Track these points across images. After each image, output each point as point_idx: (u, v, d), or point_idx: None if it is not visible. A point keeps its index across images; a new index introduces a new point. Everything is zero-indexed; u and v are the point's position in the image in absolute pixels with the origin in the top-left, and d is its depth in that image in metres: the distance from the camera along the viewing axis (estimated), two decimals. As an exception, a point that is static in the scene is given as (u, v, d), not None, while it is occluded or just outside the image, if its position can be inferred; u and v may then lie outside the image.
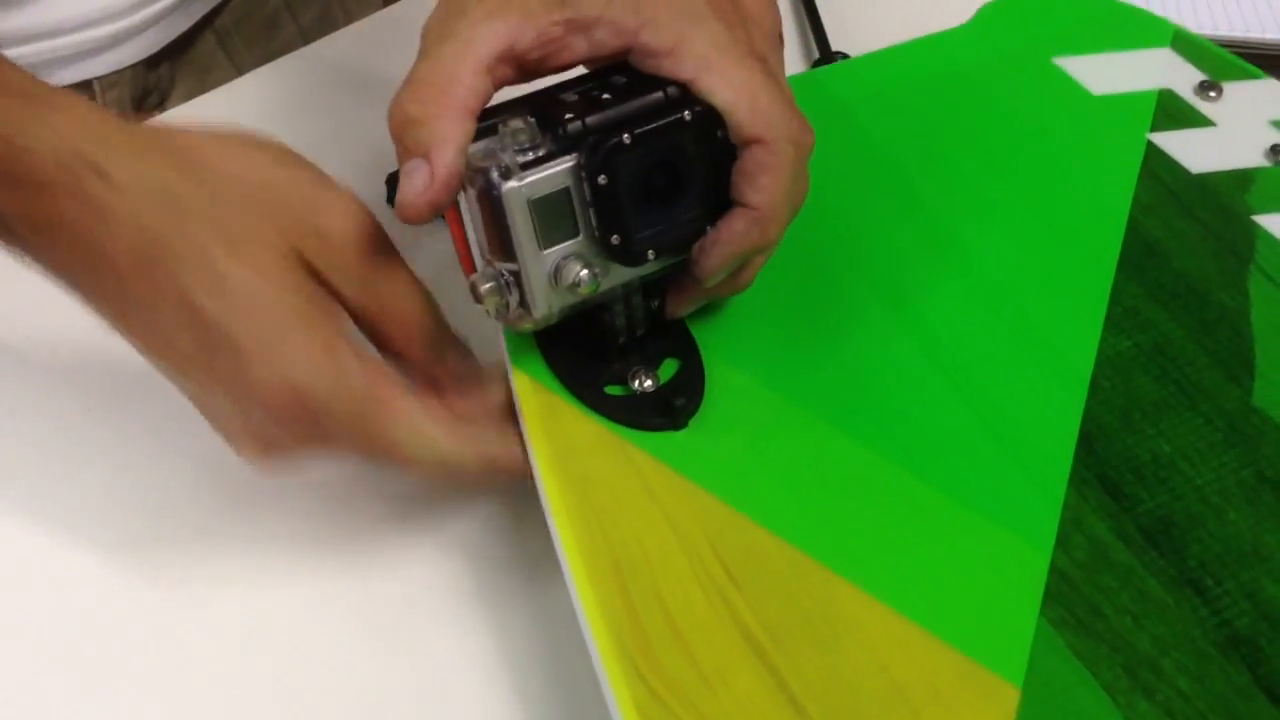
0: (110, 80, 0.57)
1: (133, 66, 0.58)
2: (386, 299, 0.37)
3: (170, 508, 0.42)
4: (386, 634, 0.39)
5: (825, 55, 0.55)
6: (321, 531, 0.41)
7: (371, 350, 0.37)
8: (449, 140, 0.34)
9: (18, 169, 0.34)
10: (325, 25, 0.65)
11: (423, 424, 0.36)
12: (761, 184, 0.35)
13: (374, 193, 0.52)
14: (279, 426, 0.35)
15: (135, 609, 0.40)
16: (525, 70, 0.36)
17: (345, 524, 0.42)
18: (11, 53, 0.52)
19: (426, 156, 0.34)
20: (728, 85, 0.35)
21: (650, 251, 0.36)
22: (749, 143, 0.35)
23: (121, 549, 0.41)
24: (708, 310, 0.41)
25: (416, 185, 0.34)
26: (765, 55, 0.37)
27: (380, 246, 0.37)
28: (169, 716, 0.37)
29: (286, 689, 0.38)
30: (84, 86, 0.57)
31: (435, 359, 0.38)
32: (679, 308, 0.39)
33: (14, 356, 0.46)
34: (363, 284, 0.36)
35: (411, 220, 0.34)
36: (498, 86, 0.36)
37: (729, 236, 0.36)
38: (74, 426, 0.44)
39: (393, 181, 0.38)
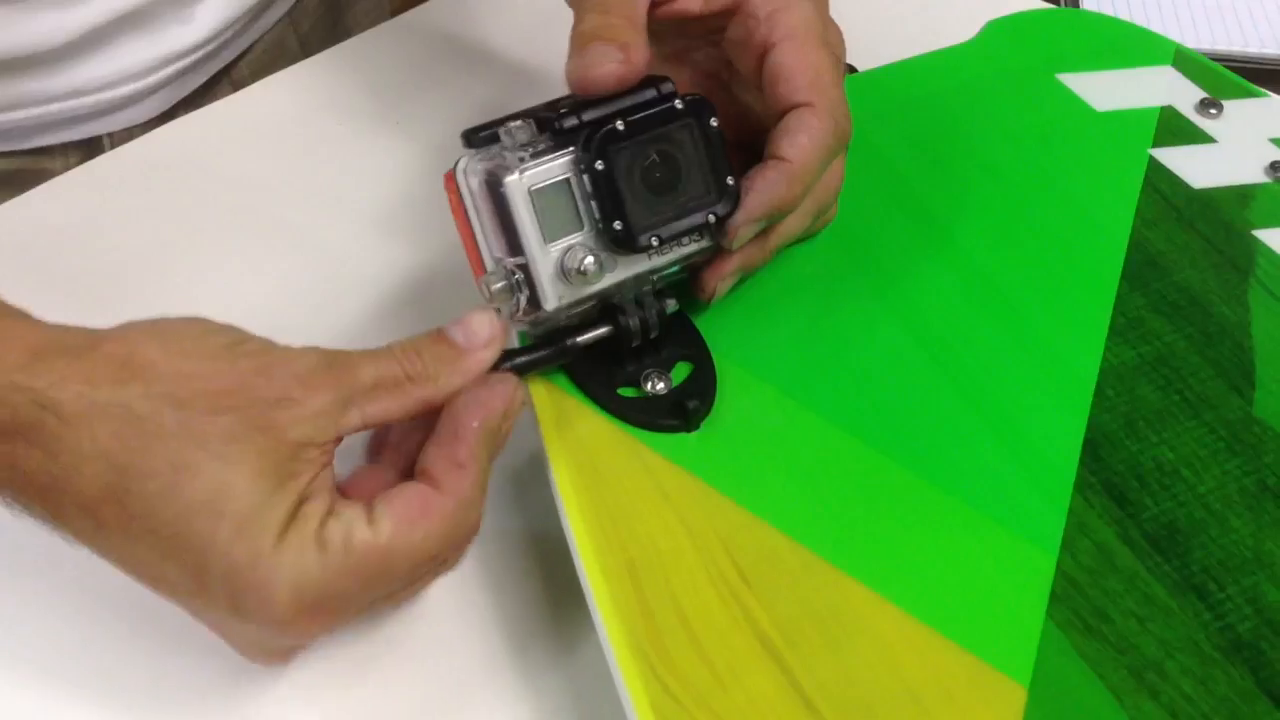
0: (122, 136, 0.57)
1: (147, 121, 0.57)
2: (380, 392, 0.35)
3: None
4: (390, 635, 0.39)
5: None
6: None
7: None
8: (640, 44, 0.38)
9: None
10: None
11: (427, 565, 0.35)
12: (799, 141, 0.38)
13: (389, 192, 0.52)
14: (290, 639, 0.34)
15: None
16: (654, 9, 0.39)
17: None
18: (27, 113, 0.53)
19: (624, 49, 0.37)
20: (801, 56, 0.39)
21: (653, 239, 0.37)
22: (797, 105, 0.38)
23: None
24: (720, 313, 0.41)
25: (617, 69, 0.37)
26: (837, 52, 0.40)
27: (347, 379, 0.34)
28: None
29: (289, 691, 0.38)
30: (94, 142, 0.56)
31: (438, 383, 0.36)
32: (714, 284, 0.40)
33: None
34: (363, 411, 0.34)
35: (594, 85, 0.37)
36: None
37: (761, 185, 0.38)
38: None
39: (469, 134, 0.38)
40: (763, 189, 0.38)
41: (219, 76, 0.60)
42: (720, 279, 0.40)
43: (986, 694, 0.34)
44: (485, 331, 0.36)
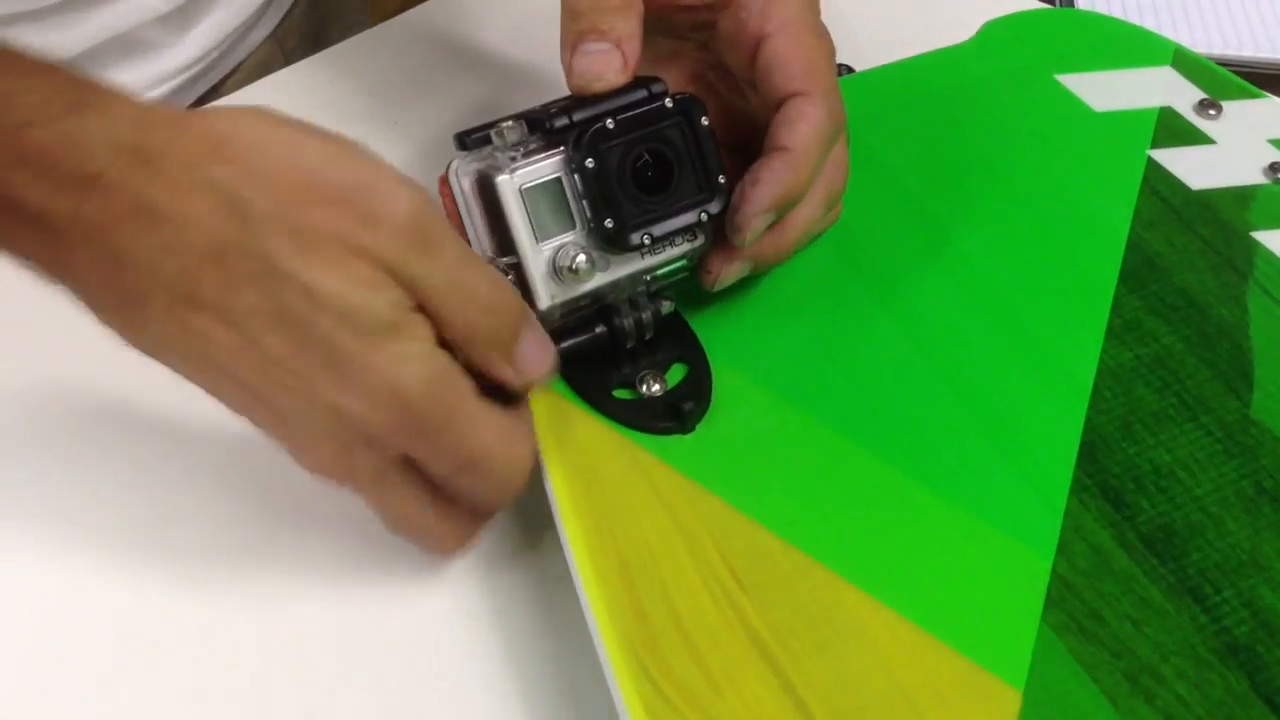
0: None
1: None
2: (450, 286, 0.34)
3: (186, 522, 0.42)
4: (387, 635, 0.39)
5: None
6: (325, 545, 0.42)
7: None
8: (636, 37, 0.38)
9: (68, 161, 0.32)
10: None
11: (512, 439, 0.36)
12: (799, 129, 0.38)
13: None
14: (371, 429, 0.34)
15: (154, 623, 0.40)
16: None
17: (345, 532, 0.42)
18: None
19: (617, 44, 0.37)
20: (795, 45, 0.39)
21: (645, 237, 0.37)
22: (793, 94, 0.38)
23: (141, 563, 0.41)
24: (716, 315, 0.41)
25: (612, 63, 0.37)
26: (828, 44, 0.41)
27: (436, 228, 0.34)
28: None
29: (288, 695, 0.38)
30: None
31: (501, 355, 0.36)
32: (720, 272, 0.40)
33: (33, 363, 0.46)
34: (423, 271, 0.34)
35: (591, 87, 0.37)
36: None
37: (767, 176, 0.38)
38: (90, 434, 0.44)
39: (461, 136, 0.38)
40: (769, 179, 0.38)
41: (207, 96, 0.61)
42: (726, 264, 0.39)
43: (981, 698, 0.33)
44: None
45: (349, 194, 0.33)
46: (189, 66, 0.58)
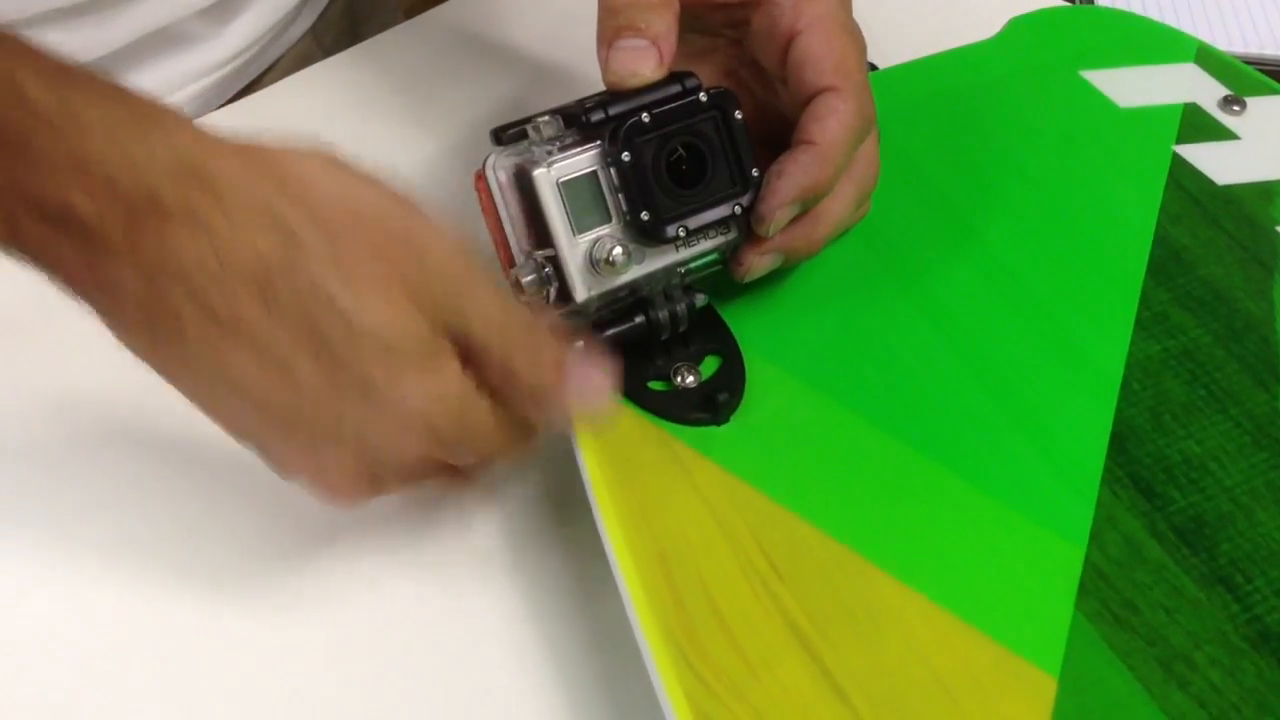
0: None
1: None
2: (493, 330, 0.35)
3: (216, 525, 0.42)
4: (424, 627, 0.40)
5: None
6: (360, 540, 0.42)
7: None
8: (672, 34, 0.38)
9: (126, 177, 0.32)
10: None
11: (522, 435, 0.37)
12: (828, 124, 0.39)
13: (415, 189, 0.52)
14: (397, 456, 0.35)
15: (165, 628, 0.40)
16: None
17: (380, 524, 0.42)
18: None
19: (654, 41, 0.38)
20: (826, 42, 0.39)
21: (680, 229, 0.38)
22: (823, 90, 0.39)
23: (165, 571, 0.41)
24: (749, 308, 0.42)
25: (648, 60, 0.38)
26: (860, 42, 0.41)
27: (479, 276, 0.35)
28: None
29: (324, 690, 0.39)
30: None
31: (536, 402, 0.37)
32: (750, 264, 0.40)
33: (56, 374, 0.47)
34: (467, 316, 0.35)
35: (626, 82, 0.38)
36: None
37: (792, 169, 0.38)
38: (106, 444, 0.44)
39: (497, 131, 0.39)
40: (794, 172, 0.38)
41: (245, 91, 0.61)
42: (757, 255, 0.40)
43: (1016, 684, 0.34)
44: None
45: (399, 236, 0.34)
46: (228, 61, 0.58)
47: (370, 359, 0.33)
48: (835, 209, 0.41)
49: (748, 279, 0.41)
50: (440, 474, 0.38)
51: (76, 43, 0.51)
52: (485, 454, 0.37)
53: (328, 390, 0.33)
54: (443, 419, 0.35)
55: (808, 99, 0.40)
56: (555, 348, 0.36)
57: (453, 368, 0.35)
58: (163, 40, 0.55)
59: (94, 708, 0.38)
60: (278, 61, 0.62)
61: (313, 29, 0.64)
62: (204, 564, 0.41)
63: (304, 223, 0.33)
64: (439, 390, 0.34)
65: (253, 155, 0.33)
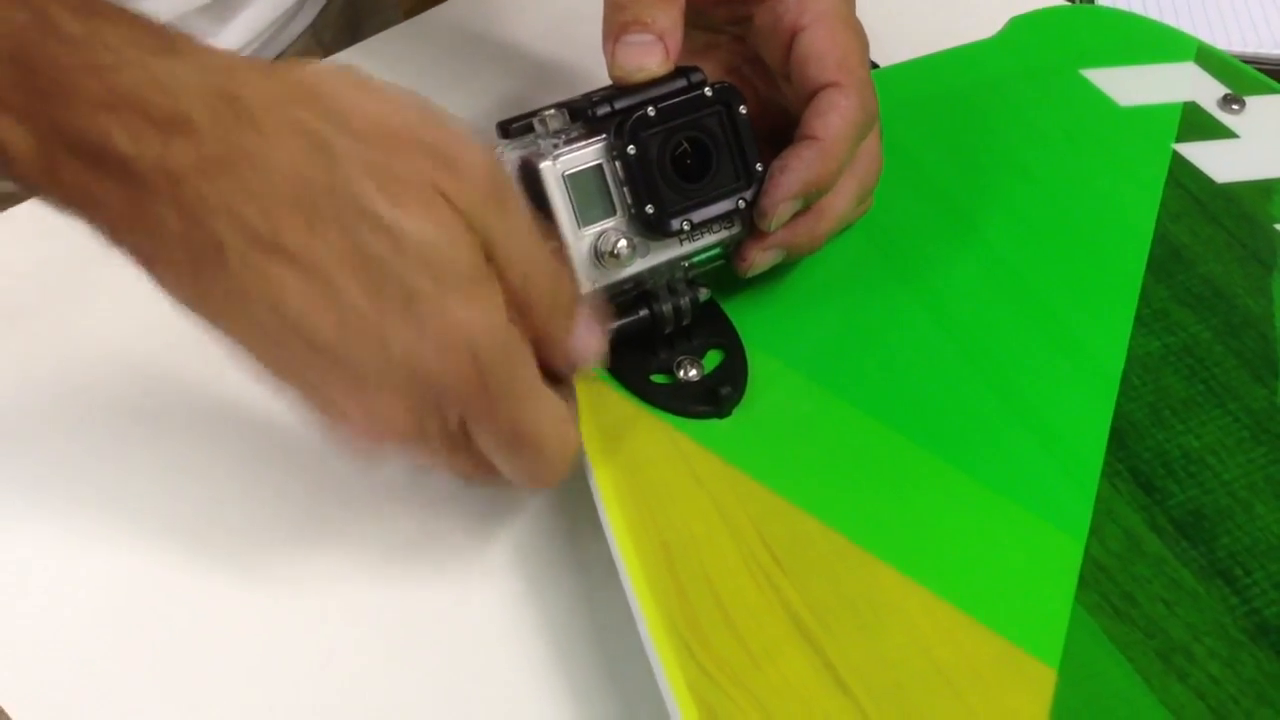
0: None
1: None
2: (519, 246, 0.34)
3: (220, 507, 0.43)
4: (430, 620, 0.40)
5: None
6: (367, 531, 0.42)
7: None
8: (677, 29, 0.39)
9: (157, 102, 0.31)
10: None
11: (564, 421, 0.36)
12: (830, 120, 0.39)
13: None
14: (442, 379, 0.33)
15: (185, 610, 0.40)
16: None
17: (388, 519, 0.43)
18: None
19: (660, 36, 0.38)
20: (829, 37, 0.40)
21: (684, 223, 0.38)
22: (826, 85, 0.39)
23: (171, 548, 0.42)
24: (751, 302, 0.42)
25: (654, 54, 0.38)
26: (863, 38, 0.41)
27: (510, 190, 0.35)
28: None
29: (330, 682, 0.39)
30: None
31: (559, 326, 0.36)
32: (752, 254, 0.40)
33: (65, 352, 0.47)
34: (497, 227, 0.34)
35: (632, 77, 0.38)
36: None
37: (795, 164, 0.39)
38: (117, 427, 0.45)
39: (504, 124, 0.39)
40: (797, 167, 0.39)
41: None
42: (760, 250, 0.40)
43: (1017, 676, 0.34)
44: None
45: (433, 144, 0.33)
46: None
47: (416, 272, 0.32)
48: (837, 204, 0.41)
49: (750, 274, 0.41)
50: (476, 455, 0.36)
51: None
52: (523, 426, 0.35)
53: (373, 309, 0.32)
54: (488, 345, 0.33)
55: (810, 95, 0.40)
56: (573, 285, 0.36)
57: (496, 293, 0.34)
58: None
59: (99, 683, 0.38)
60: (279, 57, 0.63)
61: (312, 26, 0.64)
62: (213, 547, 0.41)
63: (340, 138, 0.32)
64: (485, 311, 0.33)
65: (280, 75, 0.33)
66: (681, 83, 0.38)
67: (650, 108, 0.38)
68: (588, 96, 0.39)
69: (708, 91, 0.38)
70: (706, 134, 0.38)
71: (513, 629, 0.39)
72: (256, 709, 0.38)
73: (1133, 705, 0.34)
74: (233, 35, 0.58)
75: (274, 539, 0.42)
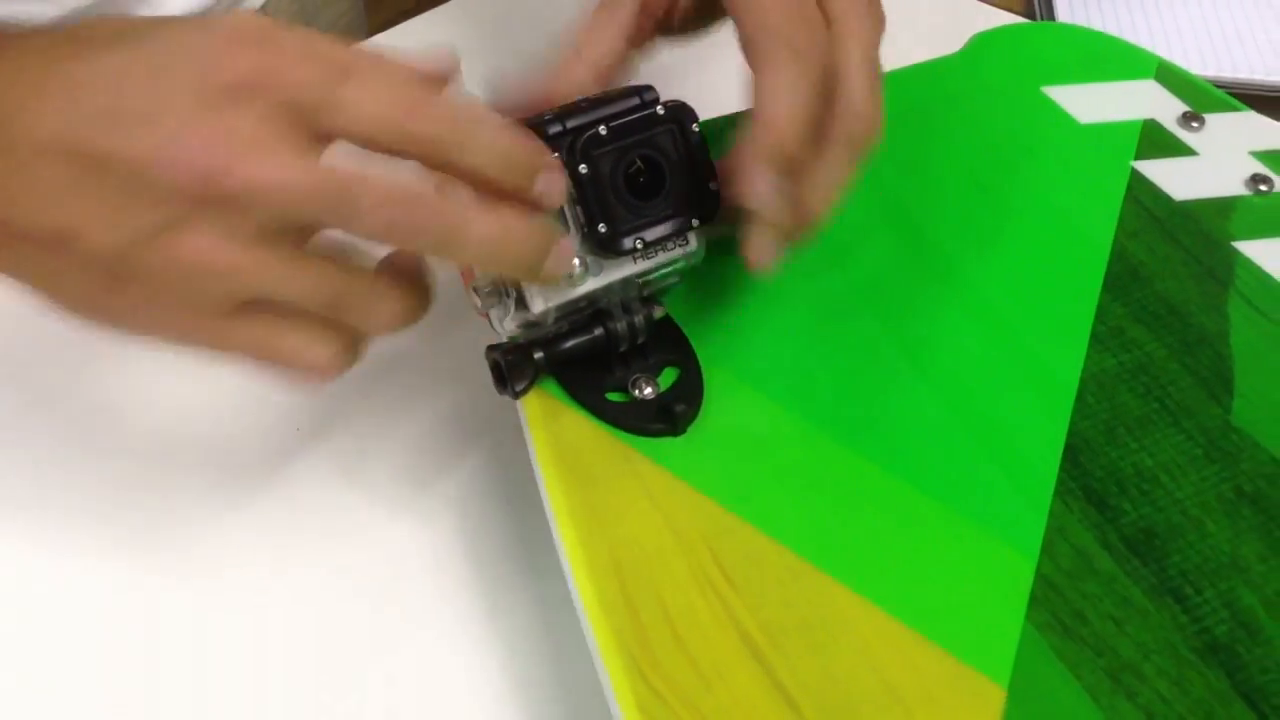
0: None
1: None
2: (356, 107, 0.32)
3: (155, 490, 0.43)
4: (378, 634, 0.40)
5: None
6: (314, 520, 0.42)
7: None
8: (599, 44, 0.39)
9: None
10: None
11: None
12: (760, 97, 0.37)
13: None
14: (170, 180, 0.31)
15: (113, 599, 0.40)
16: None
17: (339, 515, 0.43)
18: None
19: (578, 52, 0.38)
20: (751, 11, 0.37)
21: (637, 241, 0.38)
22: (754, 59, 0.37)
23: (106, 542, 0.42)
24: (707, 320, 0.42)
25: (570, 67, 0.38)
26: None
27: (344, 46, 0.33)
28: (155, 701, 0.38)
29: (275, 682, 0.39)
30: None
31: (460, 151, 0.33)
32: (752, 257, 0.38)
33: None
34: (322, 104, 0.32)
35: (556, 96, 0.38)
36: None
37: (747, 156, 0.37)
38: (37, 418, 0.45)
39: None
40: (749, 158, 0.37)
41: None
42: (754, 250, 0.38)
43: (966, 694, 0.34)
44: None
45: (234, 35, 0.32)
46: None
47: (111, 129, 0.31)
48: (822, 173, 0.39)
49: (763, 269, 0.38)
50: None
51: (21, 15, 0.51)
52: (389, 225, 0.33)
53: (89, 185, 0.31)
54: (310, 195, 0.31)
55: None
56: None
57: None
58: (100, 10, 0.54)
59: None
60: None
61: (262, 9, 0.64)
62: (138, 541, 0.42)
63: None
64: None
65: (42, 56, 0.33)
66: (634, 101, 0.38)
67: (602, 126, 0.37)
68: (540, 115, 0.39)
69: (660, 110, 0.38)
70: (659, 152, 0.38)
71: (463, 643, 0.39)
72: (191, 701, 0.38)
73: (1081, 724, 0.34)
74: (176, 9, 0.57)
75: (214, 545, 0.42)
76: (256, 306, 0.33)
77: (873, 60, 0.40)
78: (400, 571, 0.41)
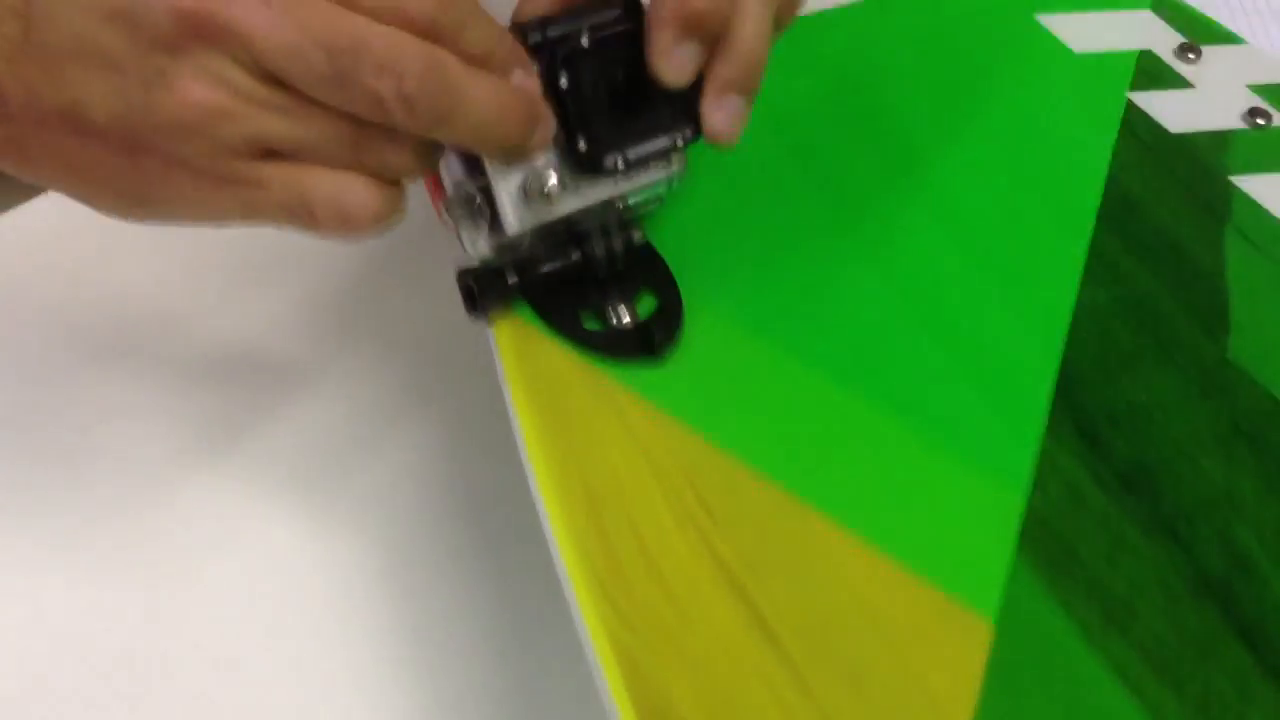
0: None
1: None
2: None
3: (131, 477, 0.41)
4: (358, 568, 0.38)
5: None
6: (294, 480, 0.41)
7: None
8: None
9: None
10: None
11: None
12: None
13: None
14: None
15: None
16: None
17: (319, 467, 0.41)
18: None
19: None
20: None
21: (619, 160, 0.36)
22: None
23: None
24: (688, 249, 0.40)
25: None
26: None
27: None
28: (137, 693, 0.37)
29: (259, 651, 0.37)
30: None
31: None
32: (711, 118, 0.36)
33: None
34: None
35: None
36: None
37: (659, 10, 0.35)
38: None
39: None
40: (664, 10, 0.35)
41: None
42: (711, 111, 0.36)
43: (953, 629, 0.33)
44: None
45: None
46: None
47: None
48: (749, 21, 0.36)
49: (721, 140, 0.36)
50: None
51: None
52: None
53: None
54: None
55: None
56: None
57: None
58: None
59: None
60: None
61: None
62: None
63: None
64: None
65: None
66: (617, 11, 0.36)
67: (585, 38, 0.36)
68: (518, 24, 0.37)
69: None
70: (644, 67, 0.36)
71: (435, 578, 0.38)
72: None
73: (1071, 659, 0.33)
74: None
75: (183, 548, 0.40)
76: (279, 158, 0.32)
77: None
78: (368, 504, 0.40)
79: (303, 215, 0.33)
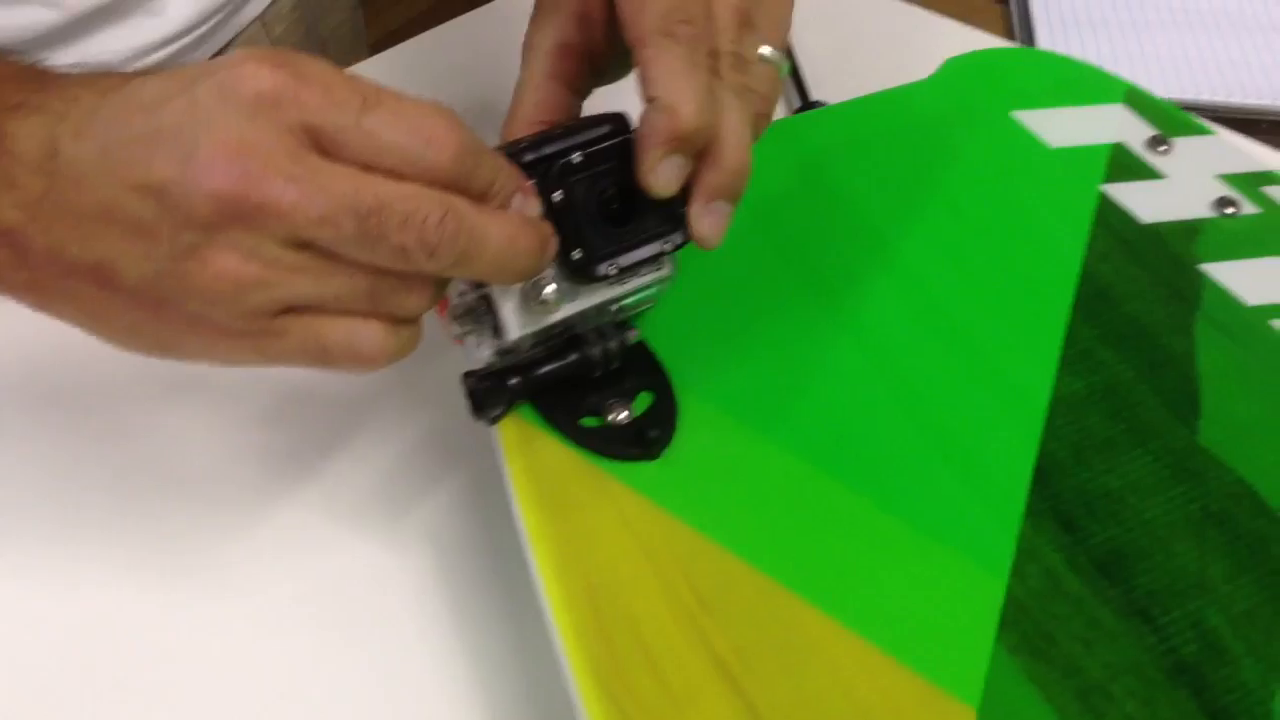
0: None
1: None
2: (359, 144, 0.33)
3: (129, 500, 0.43)
4: (357, 663, 0.40)
5: (806, 105, 0.58)
6: (292, 544, 0.43)
7: None
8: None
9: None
10: None
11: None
12: (650, 78, 0.36)
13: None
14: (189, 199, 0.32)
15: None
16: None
17: (314, 541, 0.43)
18: None
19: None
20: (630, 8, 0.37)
21: (611, 267, 0.38)
22: (636, 44, 0.36)
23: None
24: (681, 345, 0.42)
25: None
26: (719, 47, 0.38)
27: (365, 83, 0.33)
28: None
29: (243, 707, 0.39)
30: None
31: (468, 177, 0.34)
32: (697, 226, 0.38)
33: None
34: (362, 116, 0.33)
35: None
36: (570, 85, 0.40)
37: (648, 132, 0.36)
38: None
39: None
40: (651, 136, 0.36)
41: None
42: (699, 218, 0.38)
43: (938, 716, 0.34)
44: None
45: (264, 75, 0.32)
46: (170, 41, 0.58)
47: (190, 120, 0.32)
48: (731, 134, 0.37)
49: (707, 240, 0.38)
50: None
51: (24, 19, 0.52)
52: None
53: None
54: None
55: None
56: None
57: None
58: (103, 16, 0.55)
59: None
60: (225, 48, 0.63)
61: (262, 16, 0.64)
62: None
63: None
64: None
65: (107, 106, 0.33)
66: (607, 128, 0.39)
67: (576, 153, 0.38)
68: (515, 143, 0.39)
69: (633, 136, 0.38)
70: (632, 178, 0.39)
71: (438, 664, 0.39)
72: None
73: (1049, 745, 0.34)
74: (173, 17, 0.57)
75: (195, 564, 0.42)
76: (296, 311, 0.34)
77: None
78: (375, 594, 0.41)
79: (318, 358, 0.35)
